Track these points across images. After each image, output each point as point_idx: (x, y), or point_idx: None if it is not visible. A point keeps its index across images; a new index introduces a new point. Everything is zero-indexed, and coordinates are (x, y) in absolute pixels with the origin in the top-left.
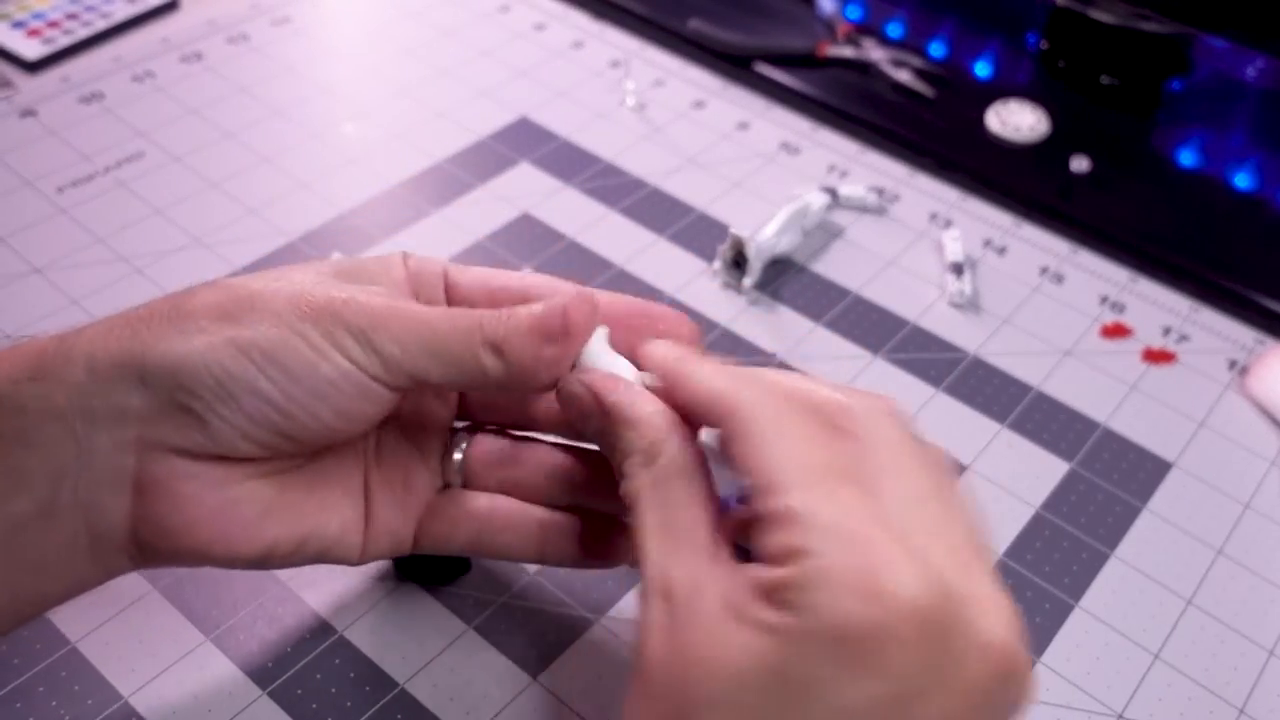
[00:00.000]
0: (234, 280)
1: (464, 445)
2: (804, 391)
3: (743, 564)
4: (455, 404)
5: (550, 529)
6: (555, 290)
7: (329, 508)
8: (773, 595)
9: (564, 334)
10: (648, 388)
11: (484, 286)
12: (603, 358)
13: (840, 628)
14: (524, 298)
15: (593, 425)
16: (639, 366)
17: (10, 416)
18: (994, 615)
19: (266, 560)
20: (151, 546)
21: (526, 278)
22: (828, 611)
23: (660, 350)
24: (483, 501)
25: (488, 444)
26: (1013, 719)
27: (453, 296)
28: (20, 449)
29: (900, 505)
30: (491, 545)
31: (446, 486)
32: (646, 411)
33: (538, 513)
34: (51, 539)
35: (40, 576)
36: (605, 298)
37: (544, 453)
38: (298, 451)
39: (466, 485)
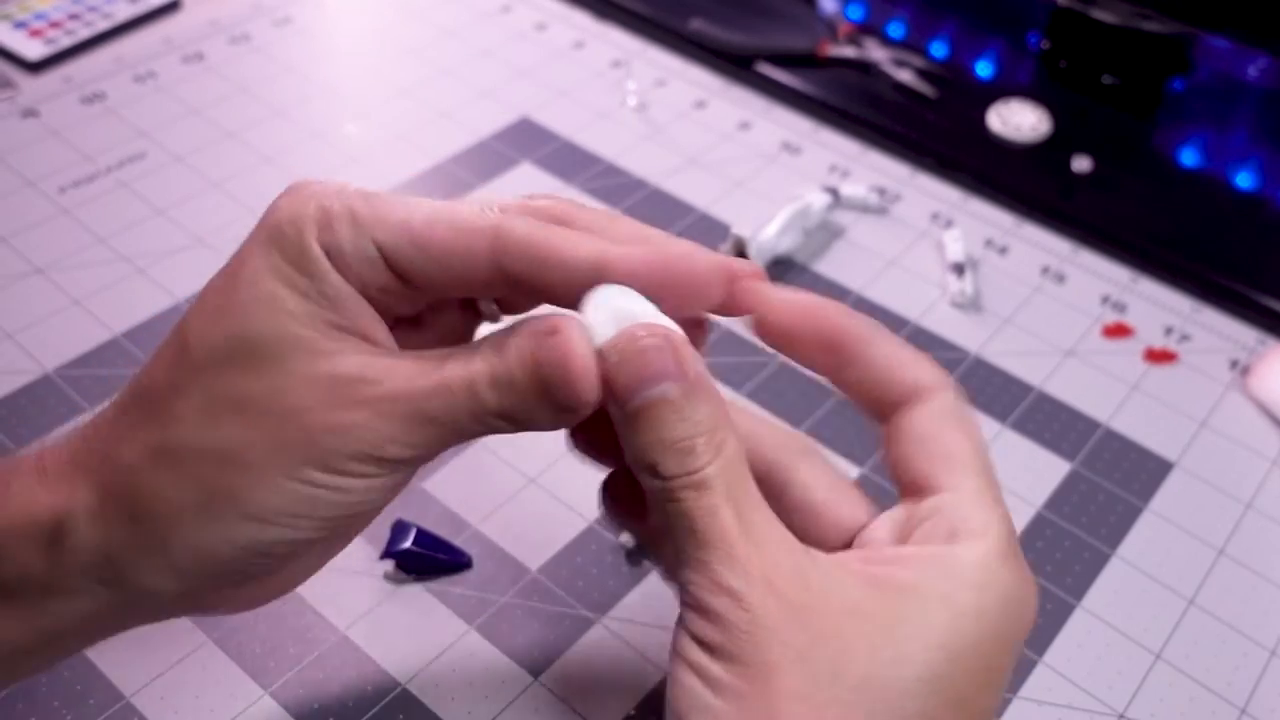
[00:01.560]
0: (205, 436)
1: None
2: None
3: (860, 549)
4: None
5: None
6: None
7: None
8: (974, 578)
9: (573, 411)
10: None
11: (442, 270)
12: (638, 309)
13: (1023, 629)
14: (495, 278)
15: (647, 394)
16: (813, 319)
17: (34, 592)
18: None
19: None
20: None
21: (501, 245)
22: (1027, 611)
23: (841, 308)
24: None
25: None
26: None
27: (409, 281)
28: (46, 617)
29: None
30: None
31: None
32: (717, 393)
33: None
34: (100, 633)
35: (78, 644)
36: (620, 260)
37: None
38: None
39: None
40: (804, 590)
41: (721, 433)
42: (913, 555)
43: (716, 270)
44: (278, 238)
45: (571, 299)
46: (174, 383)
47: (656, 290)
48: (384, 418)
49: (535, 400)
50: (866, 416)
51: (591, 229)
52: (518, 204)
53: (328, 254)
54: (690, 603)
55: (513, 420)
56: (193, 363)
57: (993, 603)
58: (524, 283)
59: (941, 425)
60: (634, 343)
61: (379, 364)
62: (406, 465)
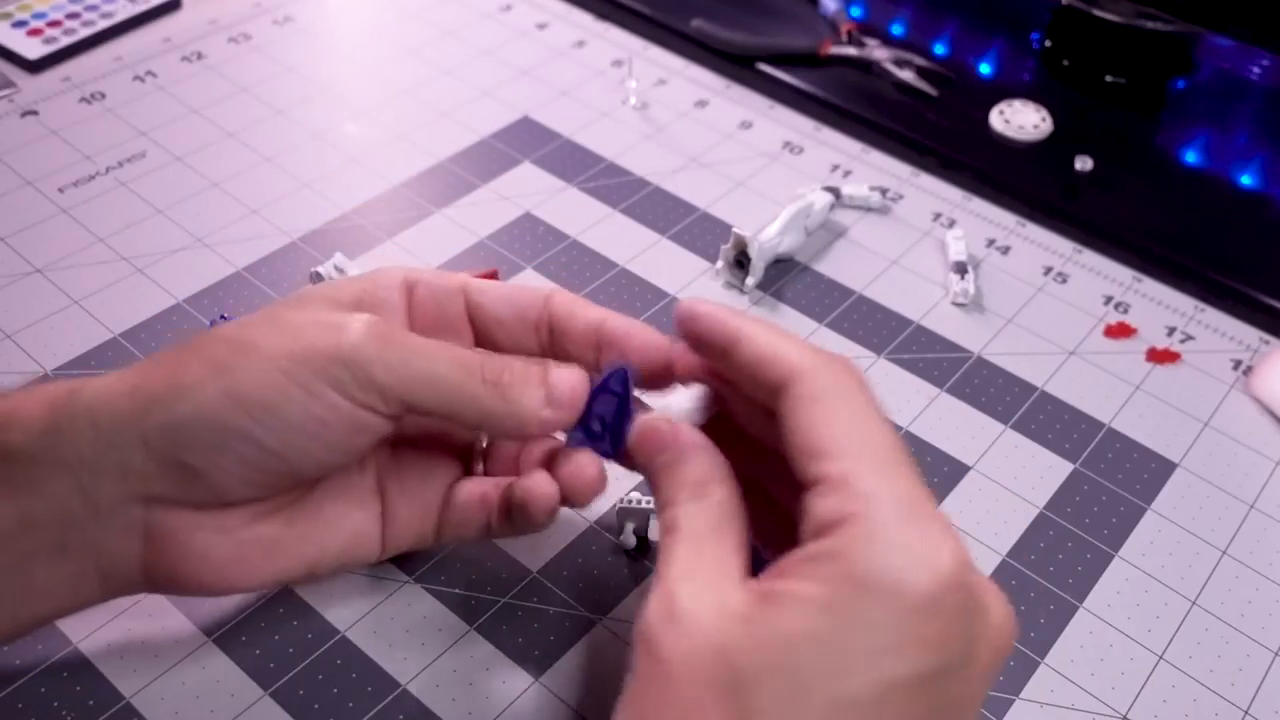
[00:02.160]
0: (239, 331)
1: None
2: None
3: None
4: None
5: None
6: (571, 321)
7: (338, 526)
8: (821, 562)
9: (568, 406)
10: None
11: (511, 305)
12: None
13: (895, 594)
14: (543, 320)
15: (658, 461)
16: (691, 327)
17: (24, 466)
18: (998, 598)
19: (275, 587)
20: (161, 586)
21: (551, 300)
22: (882, 574)
23: (717, 312)
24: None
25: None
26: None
27: (476, 315)
28: (31, 496)
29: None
30: (501, 529)
31: (469, 474)
32: (707, 454)
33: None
34: (60, 573)
35: (45, 602)
36: (612, 320)
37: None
38: (299, 485)
39: (489, 471)
40: (696, 605)
41: (708, 485)
42: (781, 563)
43: (659, 342)
44: (351, 356)
45: (579, 346)
46: (236, 329)
47: (624, 341)
48: (400, 359)
49: (537, 383)
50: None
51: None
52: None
53: (413, 305)
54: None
55: (503, 396)
56: (252, 319)
57: (841, 583)
58: (555, 329)
59: (795, 416)
60: (649, 425)
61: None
62: (387, 420)
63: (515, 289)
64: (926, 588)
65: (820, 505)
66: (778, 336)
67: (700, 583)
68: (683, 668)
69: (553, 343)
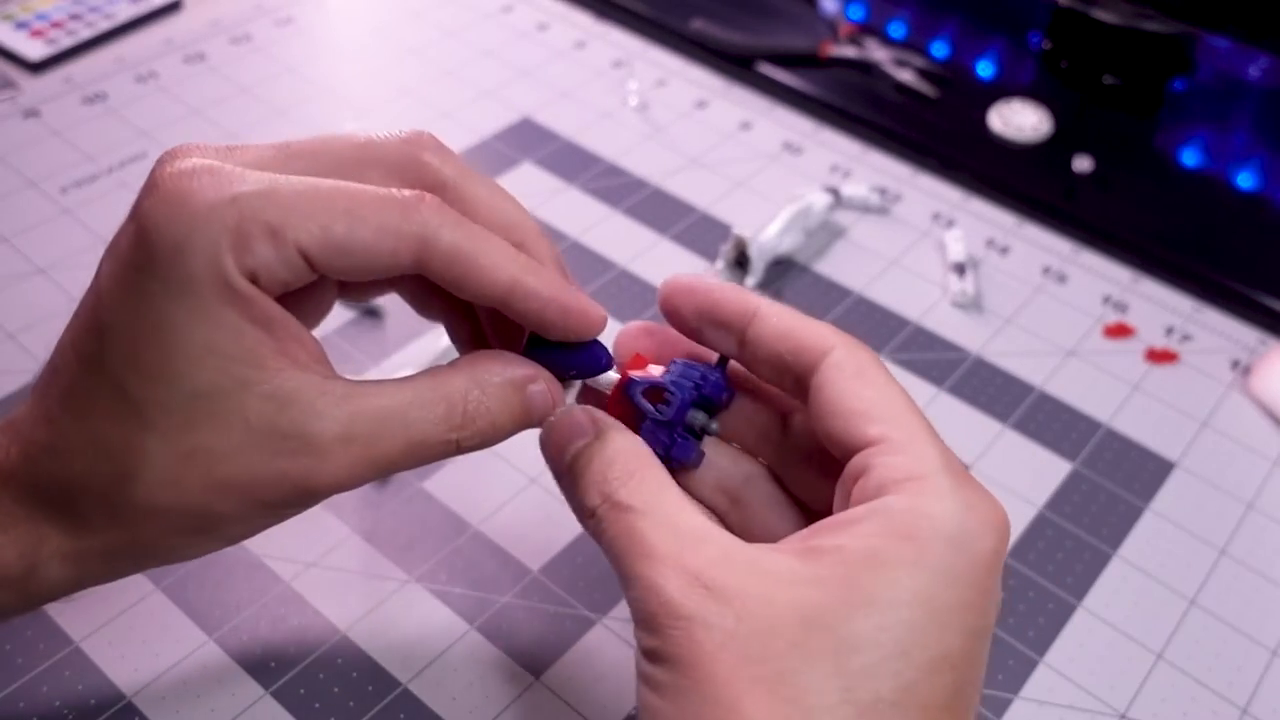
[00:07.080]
0: (145, 501)
1: None
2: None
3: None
4: None
5: None
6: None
7: None
8: (894, 517)
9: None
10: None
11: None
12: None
13: (975, 551)
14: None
15: (570, 450)
16: (703, 299)
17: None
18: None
19: None
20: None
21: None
22: (962, 533)
23: (729, 287)
24: None
25: None
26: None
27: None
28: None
29: None
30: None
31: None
32: (625, 432)
33: None
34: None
35: None
36: (531, 292)
37: None
38: None
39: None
40: (730, 573)
41: (633, 461)
42: (843, 519)
43: (594, 318)
44: (189, 280)
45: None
46: (130, 443)
47: (540, 321)
48: (342, 464)
49: (509, 388)
50: (785, 399)
51: (478, 207)
52: (423, 183)
53: (250, 277)
54: (634, 618)
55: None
56: (148, 423)
57: (933, 541)
58: (442, 286)
59: (839, 383)
60: (562, 414)
61: (342, 407)
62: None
63: (371, 243)
64: (994, 545)
65: (885, 462)
66: (797, 314)
67: (714, 550)
68: (732, 643)
69: (436, 301)
